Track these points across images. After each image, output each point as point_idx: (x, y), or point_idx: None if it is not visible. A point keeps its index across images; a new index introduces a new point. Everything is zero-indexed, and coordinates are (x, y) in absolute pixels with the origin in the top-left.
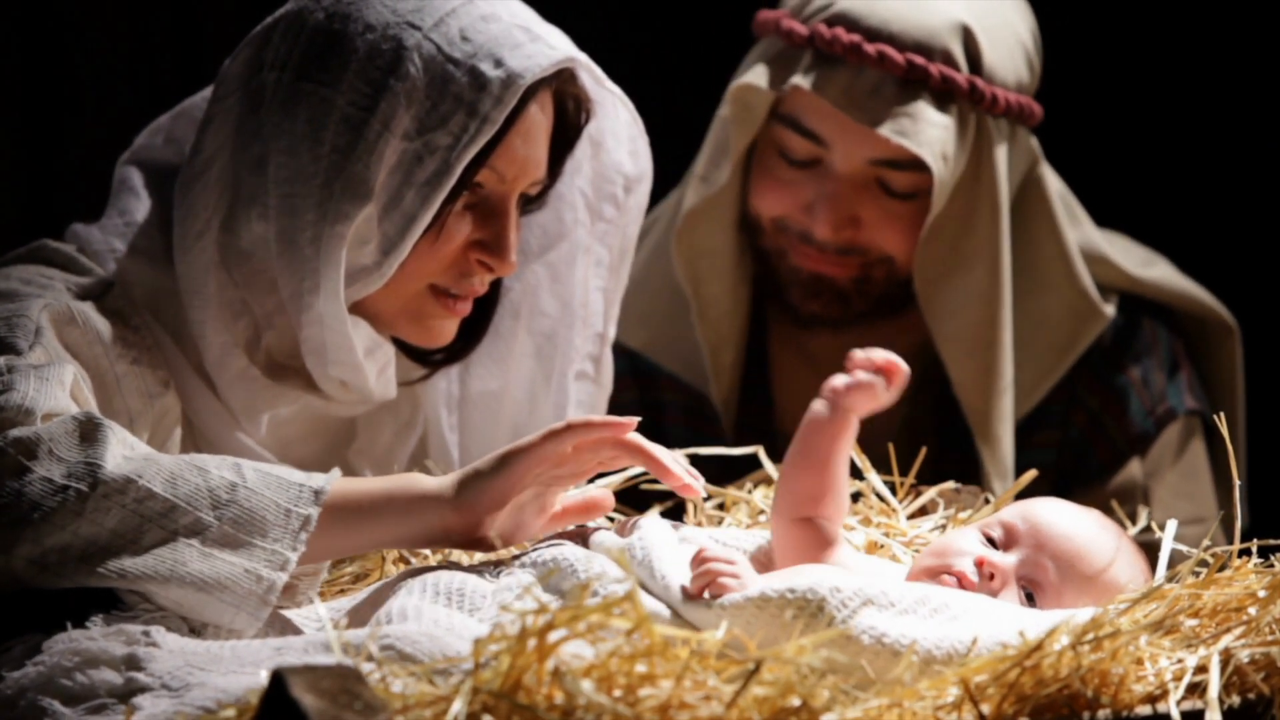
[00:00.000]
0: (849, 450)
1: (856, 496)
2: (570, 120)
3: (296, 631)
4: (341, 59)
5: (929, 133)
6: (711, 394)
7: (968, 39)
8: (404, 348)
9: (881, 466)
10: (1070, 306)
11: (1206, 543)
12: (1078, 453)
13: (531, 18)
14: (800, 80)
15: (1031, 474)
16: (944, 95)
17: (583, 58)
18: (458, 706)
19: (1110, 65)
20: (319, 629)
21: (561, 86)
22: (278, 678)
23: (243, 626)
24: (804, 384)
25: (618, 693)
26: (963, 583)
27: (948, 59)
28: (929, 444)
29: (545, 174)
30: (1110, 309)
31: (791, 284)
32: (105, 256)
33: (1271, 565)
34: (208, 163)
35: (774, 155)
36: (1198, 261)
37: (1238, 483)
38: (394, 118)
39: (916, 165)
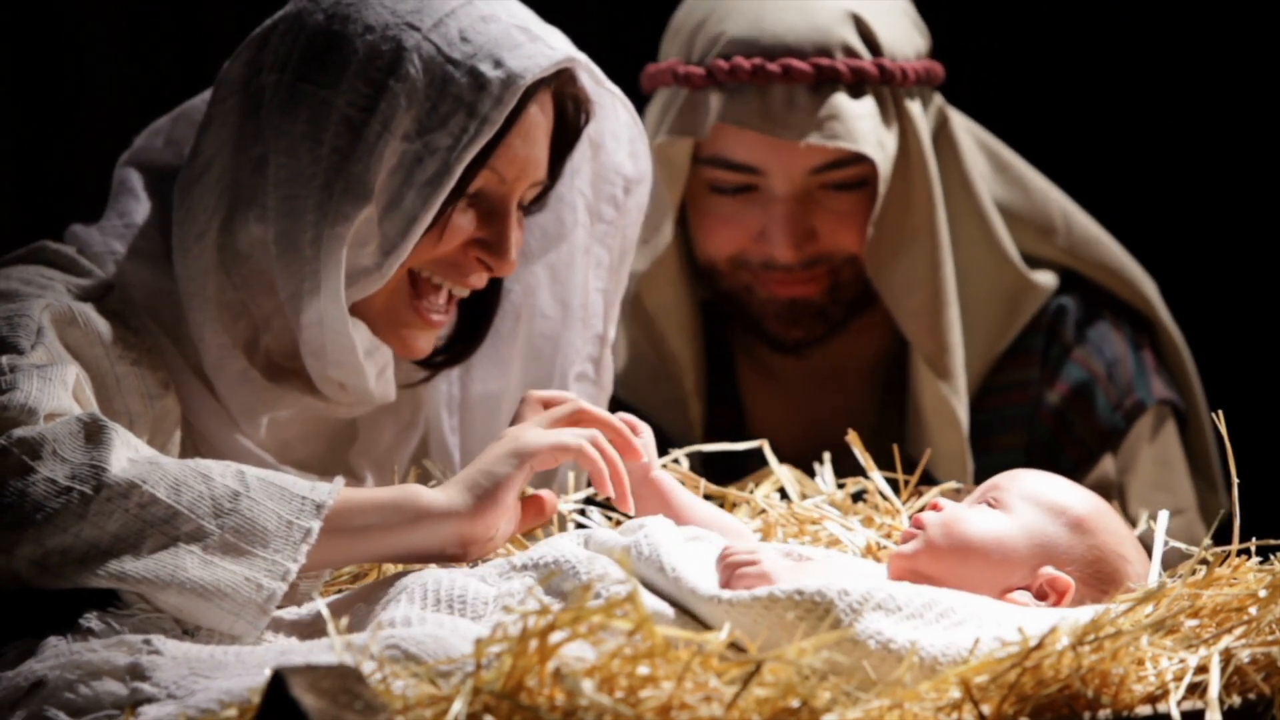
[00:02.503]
0: (685, 494)
1: (859, 496)
2: (570, 121)
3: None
4: (341, 60)
5: (859, 126)
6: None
7: (860, 25)
8: None
9: (885, 465)
10: (986, 264)
11: (1207, 542)
12: (1047, 453)
13: (531, 18)
14: (717, 119)
15: (951, 485)
16: (857, 86)
17: (582, 58)
18: (458, 707)
19: (1063, 61)
20: (315, 618)
21: (561, 87)
22: (278, 677)
23: (241, 633)
24: (775, 401)
25: (619, 693)
26: (906, 537)
27: (849, 51)
28: (902, 447)
29: (546, 175)
30: (1047, 278)
31: (767, 315)
32: (105, 258)
33: (1271, 565)
34: (207, 165)
35: (707, 197)
36: (1139, 253)
37: (1236, 482)
38: (393, 118)
39: (855, 160)
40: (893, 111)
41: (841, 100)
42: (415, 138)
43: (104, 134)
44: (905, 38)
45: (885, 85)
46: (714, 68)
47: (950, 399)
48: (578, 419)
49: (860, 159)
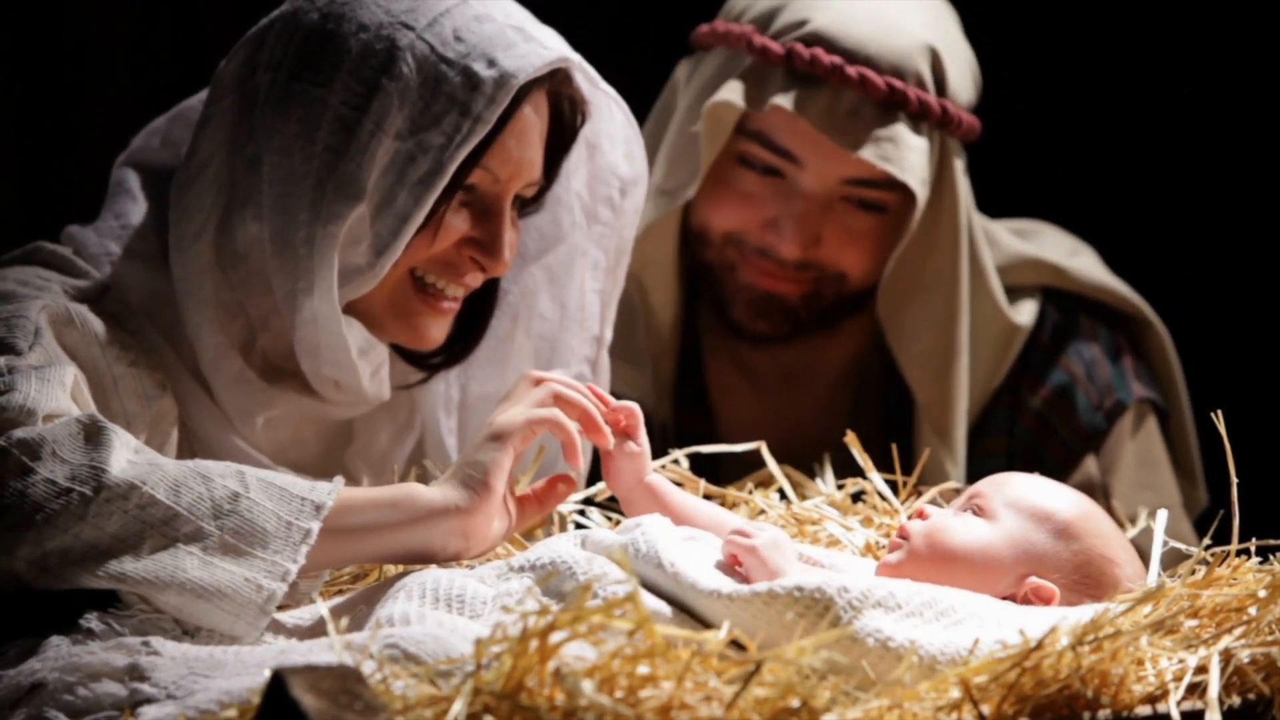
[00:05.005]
0: (680, 495)
1: (858, 496)
2: (566, 121)
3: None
4: (335, 59)
5: (910, 158)
6: (651, 404)
7: (935, 62)
8: (402, 352)
9: (883, 465)
10: (984, 314)
11: (1207, 541)
12: (1029, 456)
13: (526, 18)
14: (781, 100)
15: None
16: (918, 118)
17: (577, 58)
18: (458, 707)
19: (1040, 62)
20: (314, 620)
21: (556, 87)
22: (278, 678)
23: (241, 634)
24: (742, 394)
25: (619, 693)
26: (892, 546)
27: (920, 82)
28: (878, 452)
29: (541, 175)
30: (1027, 316)
31: (738, 301)
32: (101, 259)
33: (1270, 565)
34: (203, 165)
35: (735, 169)
36: (1128, 255)
37: (1235, 481)
38: (386, 117)
39: (887, 184)
40: (938, 154)
41: (902, 128)
42: (408, 136)
43: (102, 134)
44: (966, 86)
45: (941, 128)
46: (793, 50)
47: (945, 462)
48: (552, 399)
49: (892, 186)
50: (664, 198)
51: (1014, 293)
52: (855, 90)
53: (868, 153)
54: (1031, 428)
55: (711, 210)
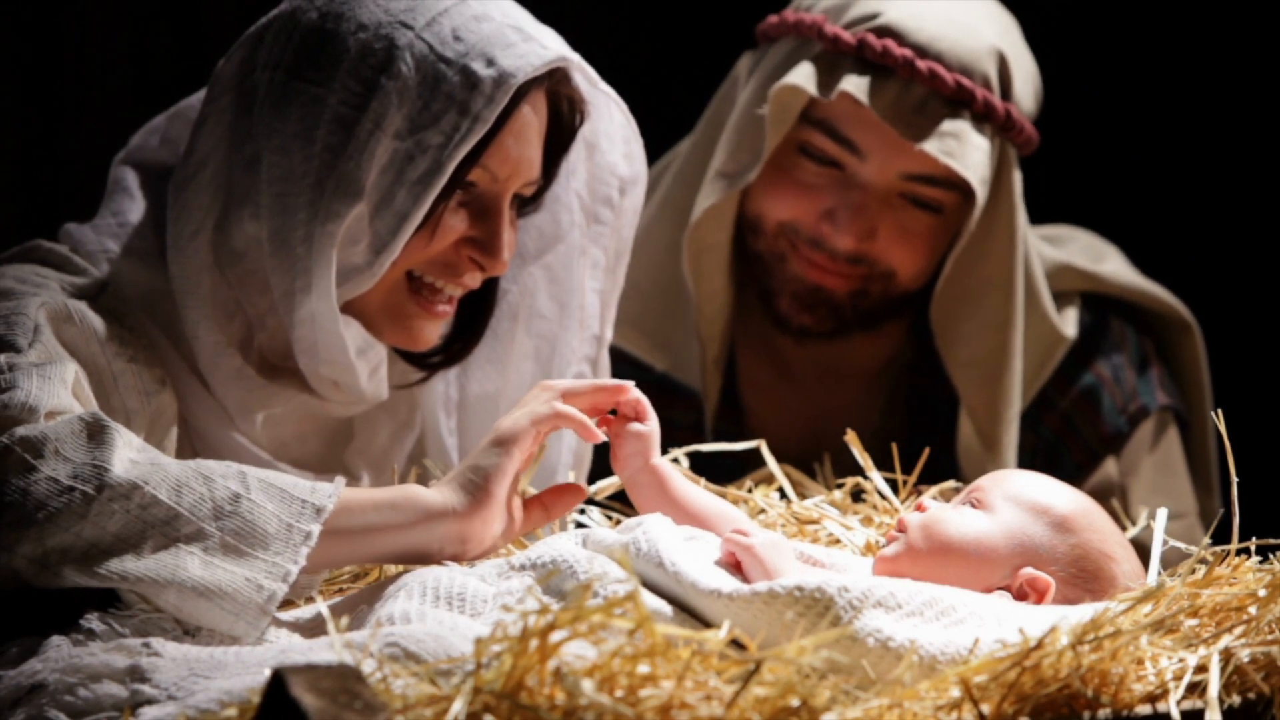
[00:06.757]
0: (685, 482)
1: (858, 495)
2: (565, 121)
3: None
4: (333, 58)
5: (973, 156)
6: (699, 389)
7: (1002, 66)
8: (402, 352)
9: (883, 465)
10: (1031, 323)
11: (1206, 541)
12: (1051, 455)
13: (524, 18)
14: (850, 87)
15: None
16: (981, 119)
17: (575, 58)
18: (458, 706)
19: (1074, 64)
20: (315, 618)
21: (555, 87)
22: (278, 677)
23: (241, 634)
24: (773, 389)
25: (619, 693)
26: (889, 539)
27: (986, 83)
28: (902, 452)
29: (539, 174)
30: (1070, 325)
31: (785, 293)
32: (98, 257)
33: (1270, 564)
34: (201, 163)
35: (795, 158)
36: (1161, 259)
37: (1235, 480)
38: (385, 116)
39: (946, 183)
40: (998, 158)
41: (967, 126)
42: (407, 136)
43: (101, 133)
44: (1029, 95)
45: (1004, 132)
46: (864, 41)
47: (988, 467)
48: (559, 399)
49: (950, 185)
50: (724, 180)
51: (1055, 300)
52: (924, 84)
53: (931, 146)
54: (1056, 428)
55: (768, 199)
